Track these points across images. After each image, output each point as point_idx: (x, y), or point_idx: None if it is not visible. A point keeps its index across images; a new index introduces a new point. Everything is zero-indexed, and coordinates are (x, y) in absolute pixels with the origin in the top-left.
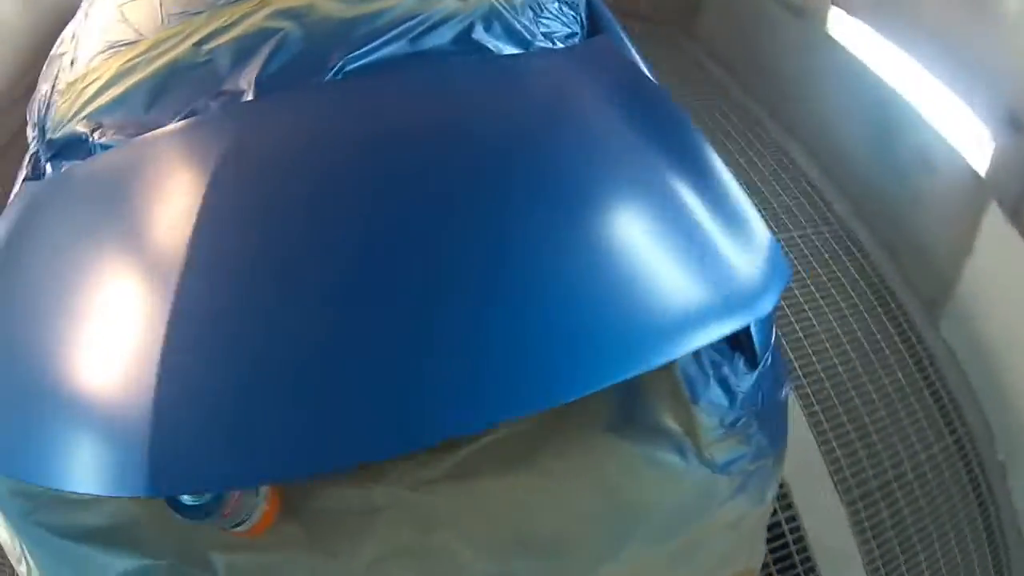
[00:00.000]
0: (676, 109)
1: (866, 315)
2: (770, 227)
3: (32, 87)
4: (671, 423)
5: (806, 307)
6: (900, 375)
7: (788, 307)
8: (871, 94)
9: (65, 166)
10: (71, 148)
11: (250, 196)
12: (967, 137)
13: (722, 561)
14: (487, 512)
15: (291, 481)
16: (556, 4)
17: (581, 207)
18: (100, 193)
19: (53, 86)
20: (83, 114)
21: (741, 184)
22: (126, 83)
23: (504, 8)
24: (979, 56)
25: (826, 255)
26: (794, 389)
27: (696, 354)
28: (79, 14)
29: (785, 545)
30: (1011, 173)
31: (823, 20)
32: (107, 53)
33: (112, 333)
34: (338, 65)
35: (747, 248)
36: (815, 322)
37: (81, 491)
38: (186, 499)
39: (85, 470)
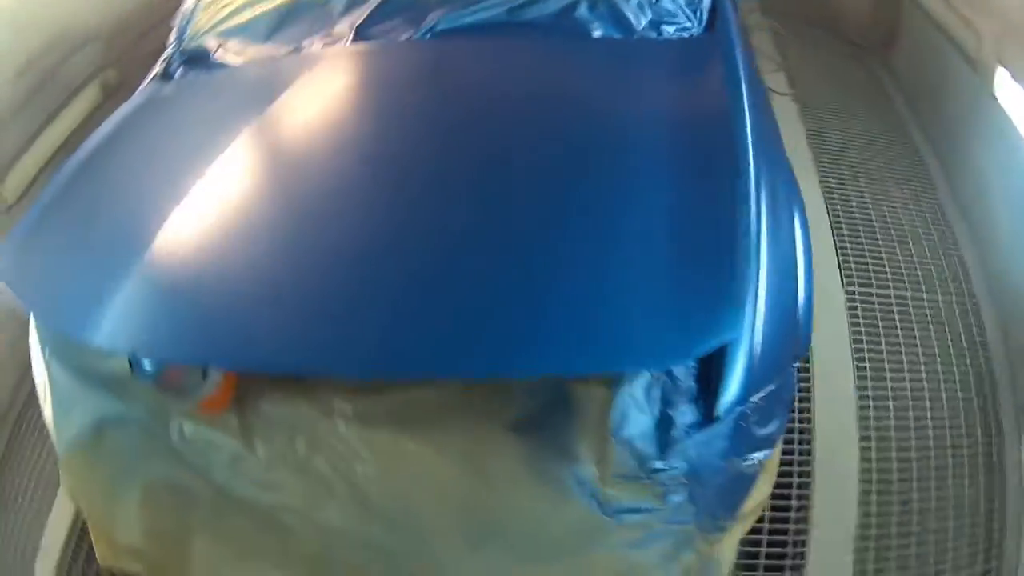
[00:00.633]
0: (733, 123)
1: (959, 395)
2: (898, 281)
3: None
4: (579, 445)
5: (905, 371)
6: (966, 476)
7: (887, 364)
8: None
9: (191, 73)
10: (198, 59)
11: (350, 128)
12: None
13: None
14: (370, 461)
15: (235, 369)
16: (674, 1)
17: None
18: (218, 101)
19: (198, 0)
20: (214, 31)
21: (882, 225)
22: (254, 10)
23: None
24: None
25: (944, 326)
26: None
27: (652, 384)
28: None
29: None
30: None
31: (990, 78)
32: None
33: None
34: (433, 24)
35: (687, 296)
36: (908, 387)
37: (101, 344)
38: (145, 363)
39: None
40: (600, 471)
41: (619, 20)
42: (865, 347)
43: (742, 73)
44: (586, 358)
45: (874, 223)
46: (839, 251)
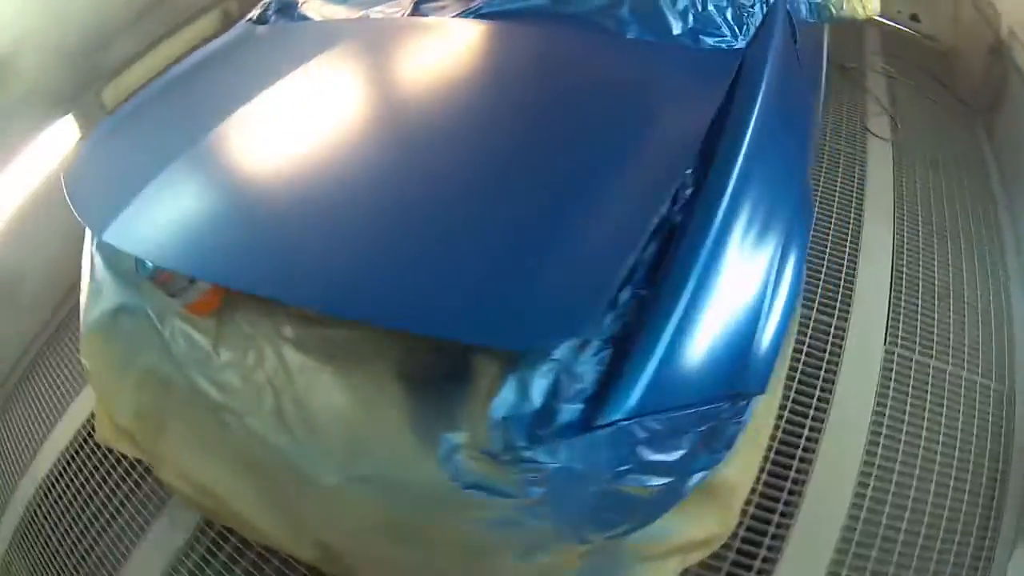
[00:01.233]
0: (722, 141)
1: (966, 487)
2: (942, 352)
3: None
4: (459, 411)
5: (920, 446)
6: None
7: (904, 435)
8: None
9: (279, 21)
10: (287, 9)
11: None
12: None
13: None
14: (294, 382)
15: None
16: (720, 10)
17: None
18: (280, 53)
19: None
20: None
21: (943, 291)
22: None
23: None
24: None
25: (974, 413)
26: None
27: (546, 375)
28: None
29: None
30: None
31: None
32: None
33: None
34: (478, 6)
35: (549, 289)
36: (917, 464)
37: (112, 242)
38: (146, 262)
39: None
40: (467, 441)
41: (656, 24)
42: (887, 411)
43: (761, 93)
44: (445, 323)
45: (935, 287)
46: (892, 307)
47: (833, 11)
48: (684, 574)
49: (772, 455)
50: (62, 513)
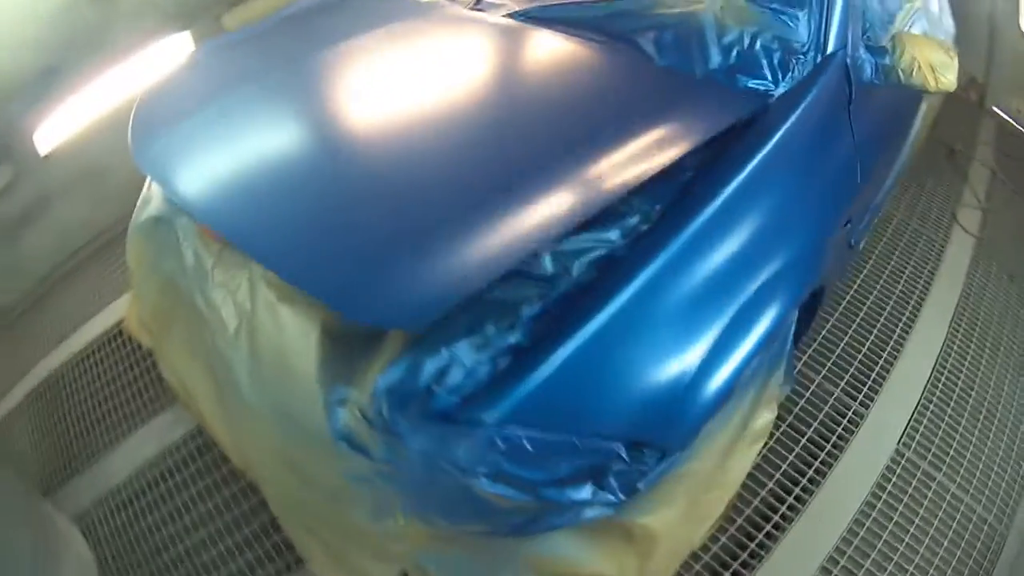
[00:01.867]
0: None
1: None
2: (952, 471)
3: None
4: (360, 369)
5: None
6: None
7: (884, 539)
8: None
9: None
10: None
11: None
12: None
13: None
14: (258, 313)
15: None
16: (768, 52)
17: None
18: (343, 23)
19: None
20: None
21: (974, 410)
22: None
23: (707, 27)
24: None
25: (962, 538)
26: None
27: (439, 359)
28: None
29: None
30: None
31: None
32: None
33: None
34: (527, 10)
35: (407, 276)
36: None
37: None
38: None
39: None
40: (352, 398)
41: (691, 56)
42: (875, 511)
43: (770, 144)
44: (305, 278)
45: (970, 401)
46: (919, 408)
47: (902, 76)
48: None
49: (740, 522)
50: (78, 391)
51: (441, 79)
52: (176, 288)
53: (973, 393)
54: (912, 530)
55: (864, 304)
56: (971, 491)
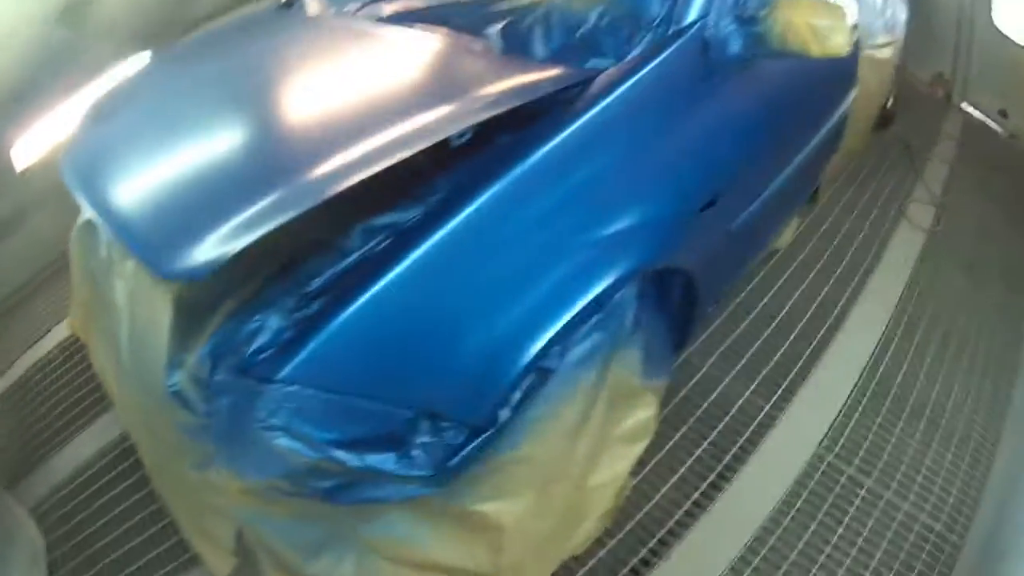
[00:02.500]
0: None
1: None
2: (886, 478)
3: None
4: (197, 335)
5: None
6: None
7: (799, 545)
8: None
9: (291, 9)
10: (292, 2)
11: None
12: None
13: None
14: (134, 291)
15: None
16: (614, 32)
17: None
18: (252, 40)
19: None
20: None
21: (916, 411)
22: None
23: (553, 12)
24: None
25: (901, 548)
26: None
27: (264, 324)
28: None
29: None
30: None
31: None
32: None
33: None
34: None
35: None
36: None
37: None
38: None
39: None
40: (188, 358)
41: (533, 42)
42: (789, 517)
43: (583, 118)
44: (120, 225)
45: (910, 402)
46: (845, 411)
47: (775, 43)
48: None
49: (631, 526)
50: (40, 393)
51: (297, 76)
52: (96, 282)
53: (914, 392)
54: (840, 533)
55: (787, 304)
56: (911, 498)
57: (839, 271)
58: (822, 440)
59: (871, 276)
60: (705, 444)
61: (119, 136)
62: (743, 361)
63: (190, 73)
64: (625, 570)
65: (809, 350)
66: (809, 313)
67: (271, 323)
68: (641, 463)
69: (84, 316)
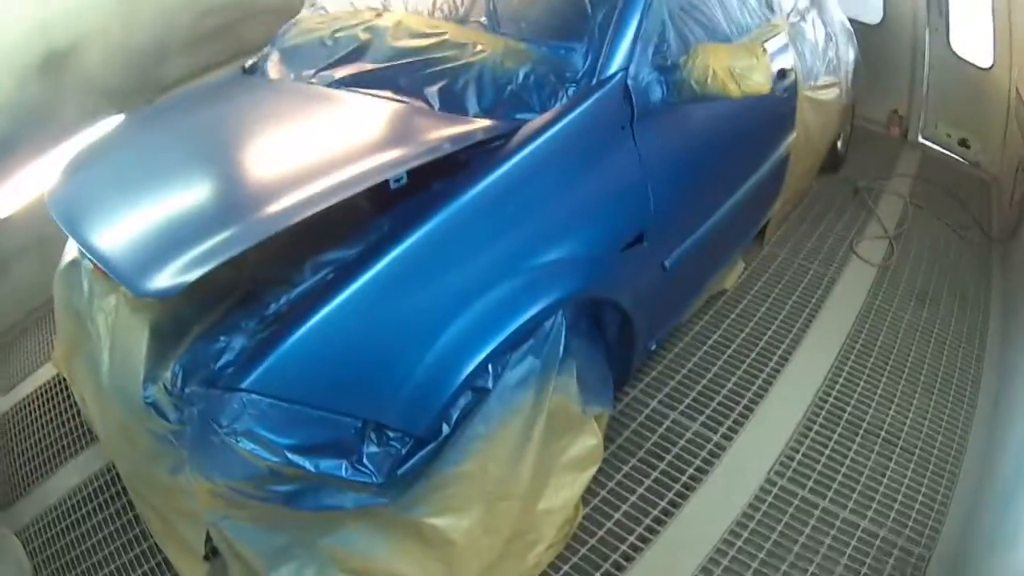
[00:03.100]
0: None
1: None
2: (841, 501)
3: None
4: (172, 350)
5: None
6: None
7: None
8: None
9: (253, 75)
10: (258, 66)
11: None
12: None
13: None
14: (117, 311)
15: None
16: (539, 87)
17: None
18: (214, 103)
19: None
20: (280, 45)
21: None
22: (307, 36)
23: (485, 72)
24: None
25: (863, 563)
26: None
27: (231, 341)
28: None
29: None
30: None
31: None
32: (317, 11)
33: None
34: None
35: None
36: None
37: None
38: None
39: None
40: (163, 372)
41: (466, 100)
42: (742, 539)
43: (507, 164)
44: (100, 253)
45: (863, 423)
46: (795, 438)
47: (696, 88)
48: None
49: (584, 551)
50: (25, 428)
51: (256, 130)
52: (79, 316)
53: (867, 415)
54: (796, 552)
55: (733, 342)
56: (869, 516)
57: (788, 306)
58: (773, 466)
59: (821, 310)
60: (655, 474)
61: (100, 180)
62: (692, 394)
63: (163, 127)
64: None
65: (758, 382)
66: (758, 348)
67: (235, 343)
68: (592, 492)
69: (67, 349)
